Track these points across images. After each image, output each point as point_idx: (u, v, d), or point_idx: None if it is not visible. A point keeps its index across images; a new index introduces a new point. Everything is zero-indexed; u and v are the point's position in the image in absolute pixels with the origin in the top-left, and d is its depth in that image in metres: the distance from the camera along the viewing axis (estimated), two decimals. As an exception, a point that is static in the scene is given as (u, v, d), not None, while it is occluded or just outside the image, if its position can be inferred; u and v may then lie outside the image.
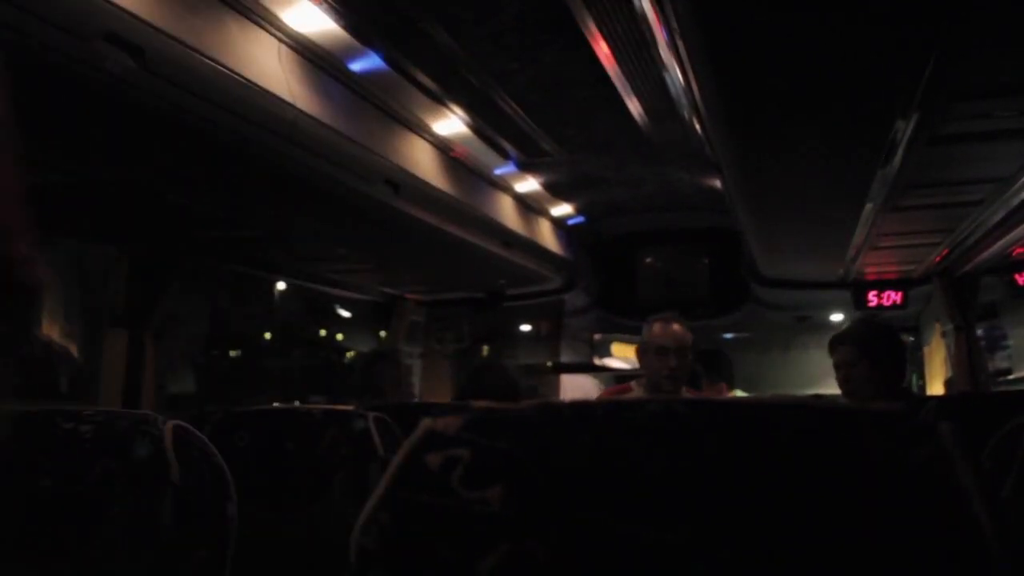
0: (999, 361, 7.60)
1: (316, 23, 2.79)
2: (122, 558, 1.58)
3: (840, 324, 9.37)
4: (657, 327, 3.49)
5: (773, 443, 0.61)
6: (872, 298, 6.24)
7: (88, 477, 1.59)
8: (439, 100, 3.60)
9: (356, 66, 3.11)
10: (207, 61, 2.35)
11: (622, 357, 8.16)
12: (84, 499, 1.59)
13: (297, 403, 7.22)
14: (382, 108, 3.45)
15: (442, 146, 4.00)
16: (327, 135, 2.97)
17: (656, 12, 2.43)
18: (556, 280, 6.24)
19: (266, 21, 2.67)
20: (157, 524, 1.58)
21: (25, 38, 1.91)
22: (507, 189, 4.99)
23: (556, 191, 5.42)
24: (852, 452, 0.60)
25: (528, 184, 5.07)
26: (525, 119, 3.94)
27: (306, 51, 2.89)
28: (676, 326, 3.48)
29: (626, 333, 3.75)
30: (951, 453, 0.59)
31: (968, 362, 5.50)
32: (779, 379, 9.38)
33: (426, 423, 0.66)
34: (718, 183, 4.70)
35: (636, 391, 3.74)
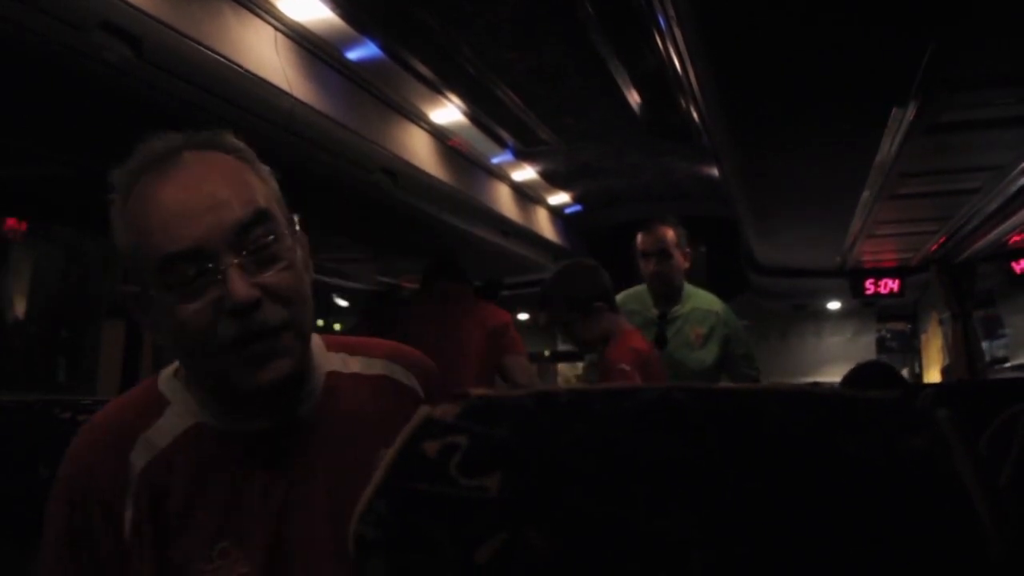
0: (996, 349, 7.62)
1: (313, 12, 2.78)
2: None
3: (837, 312, 9.40)
4: None
5: (770, 431, 0.61)
6: (869, 286, 6.25)
7: (87, 467, 1.59)
8: (437, 89, 3.60)
9: (353, 55, 3.10)
10: (204, 51, 2.35)
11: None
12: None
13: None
14: (379, 97, 3.44)
15: (440, 135, 4.00)
16: (324, 124, 2.96)
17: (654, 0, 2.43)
18: (553, 269, 6.22)
19: (263, 10, 2.67)
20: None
21: (21, 28, 1.90)
22: (504, 178, 4.98)
23: (553, 180, 5.41)
24: (849, 440, 0.60)
25: (525, 173, 5.07)
26: (523, 108, 3.94)
27: (303, 40, 2.88)
28: None
29: (624, 322, 3.80)
30: (949, 440, 0.59)
31: (965, 350, 5.51)
32: (776, 367, 9.39)
33: (423, 410, 0.66)
34: (715, 172, 4.70)
35: None
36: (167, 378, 1.26)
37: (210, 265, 1.11)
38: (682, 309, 3.63)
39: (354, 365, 1.31)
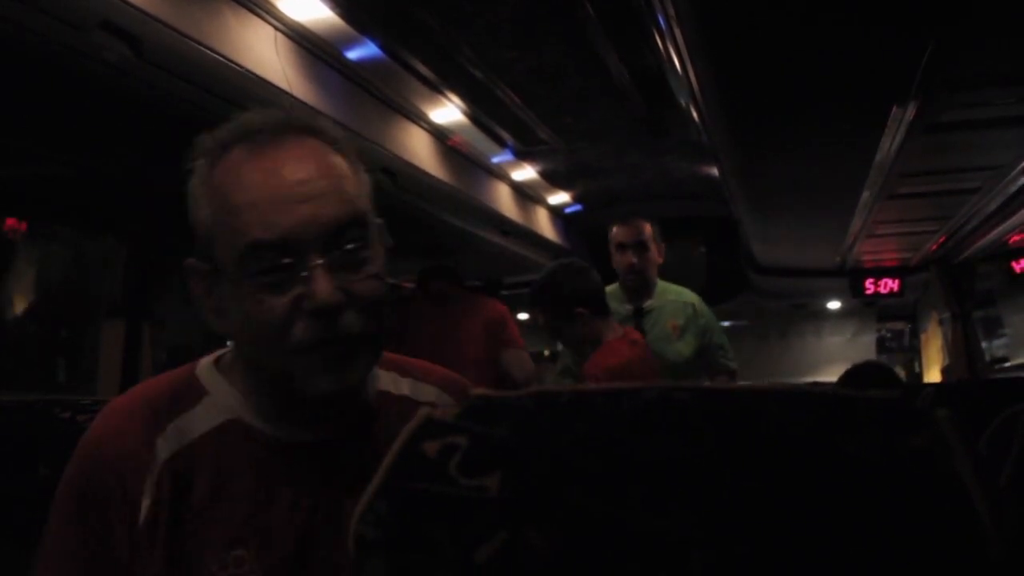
0: (996, 349, 7.62)
1: (313, 11, 2.78)
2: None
3: (837, 312, 9.40)
4: None
5: (769, 431, 0.61)
6: (869, 286, 6.25)
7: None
8: (436, 89, 3.60)
9: (353, 55, 3.10)
10: (204, 50, 2.35)
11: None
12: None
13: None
14: (379, 97, 3.44)
15: (439, 135, 4.00)
16: (324, 124, 2.95)
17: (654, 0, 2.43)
18: (544, 269, 6.22)
19: (263, 10, 2.67)
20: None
21: (21, 28, 1.90)
22: (504, 178, 4.99)
23: (553, 180, 5.42)
24: (849, 439, 0.60)
25: (525, 173, 5.07)
26: (523, 108, 3.94)
27: (303, 40, 2.88)
28: None
29: (624, 322, 3.80)
30: (949, 440, 0.59)
31: (965, 349, 5.52)
32: (776, 366, 9.40)
33: (424, 411, 0.66)
34: (715, 172, 4.70)
35: None
36: (207, 367, 1.18)
37: (294, 260, 1.03)
38: (656, 302, 3.63)
39: (404, 387, 1.23)
